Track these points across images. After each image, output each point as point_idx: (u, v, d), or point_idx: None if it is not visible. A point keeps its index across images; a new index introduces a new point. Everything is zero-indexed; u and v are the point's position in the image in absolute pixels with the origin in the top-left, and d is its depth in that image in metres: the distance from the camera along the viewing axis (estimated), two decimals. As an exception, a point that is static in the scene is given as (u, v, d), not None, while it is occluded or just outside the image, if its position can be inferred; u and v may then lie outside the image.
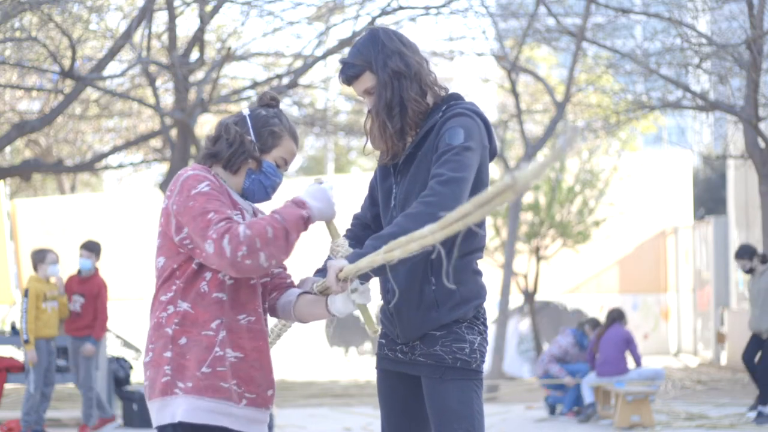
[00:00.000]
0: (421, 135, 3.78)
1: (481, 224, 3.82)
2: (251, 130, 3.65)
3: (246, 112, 3.70)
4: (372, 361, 20.95)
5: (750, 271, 11.53)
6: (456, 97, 3.85)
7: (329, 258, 3.74)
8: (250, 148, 3.63)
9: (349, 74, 3.81)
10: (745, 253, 11.51)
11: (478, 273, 3.83)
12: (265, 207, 3.80)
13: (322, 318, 3.66)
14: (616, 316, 11.74)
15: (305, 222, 3.46)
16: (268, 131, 3.66)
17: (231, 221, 3.41)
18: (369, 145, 3.91)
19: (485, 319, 3.85)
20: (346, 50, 16.21)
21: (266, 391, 3.58)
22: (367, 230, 4.02)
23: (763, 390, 11.20)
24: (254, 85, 16.04)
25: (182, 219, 3.48)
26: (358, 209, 4.10)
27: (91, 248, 10.49)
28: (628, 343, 11.57)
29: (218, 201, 3.47)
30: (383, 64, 3.77)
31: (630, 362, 11.76)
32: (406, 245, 3.19)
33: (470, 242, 3.76)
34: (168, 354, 3.48)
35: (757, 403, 11.32)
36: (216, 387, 3.46)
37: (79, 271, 10.49)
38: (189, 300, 3.50)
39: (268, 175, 3.65)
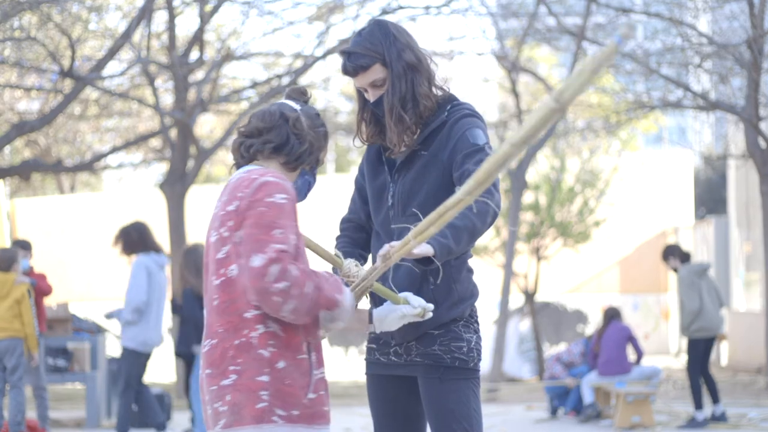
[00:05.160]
0: (427, 134, 3.74)
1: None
2: (306, 129, 3.47)
3: (297, 106, 3.49)
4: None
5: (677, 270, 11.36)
6: (454, 97, 3.83)
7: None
8: (317, 147, 3.46)
9: (359, 64, 3.69)
10: (667, 254, 11.43)
11: (471, 271, 3.83)
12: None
13: (356, 331, 3.62)
14: (613, 314, 11.73)
15: (333, 307, 3.28)
16: (323, 132, 3.49)
17: (289, 253, 3.20)
18: (357, 141, 3.88)
19: (478, 317, 3.84)
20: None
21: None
22: (362, 232, 3.95)
23: (696, 395, 11.01)
24: (254, 85, 16.03)
25: (246, 221, 3.25)
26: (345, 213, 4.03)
27: (26, 246, 10.39)
28: (630, 339, 11.56)
29: (290, 221, 3.26)
30: (397, 56, 3.69)
31: (632, 357, 11.70)
32: (438, 220, 3.20)
33: None
34: (264, 378, 3.22)
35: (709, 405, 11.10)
36: (320, 413, 3.31)
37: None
38: (278, 321, 3.25)
39: (315, 177, 3.52)
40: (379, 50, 3.70)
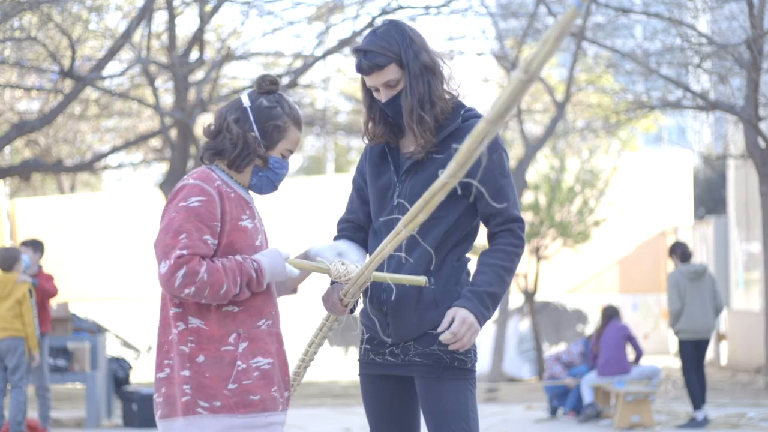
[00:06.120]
0: (443, 137, 3.71)
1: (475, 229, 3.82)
2: (254, 125, 3.46)
3: (246, 102, 3.49)
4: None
5: None
6: (462, 103, 3.82)
7: (334, 283, 3.71)
8: (255, 147, 3.45)
9: (375, 63, 3.66)
10: (671, 251, 11.45)
11: (470, 275, 3.83)
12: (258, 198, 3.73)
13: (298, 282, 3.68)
14: (612, 313, 11.73)
15: (254, 286, 3.40)
16: (272, 126, 3.47)
17: (195, 255, 3.30)
18: (365, 139, 3.87)
19: None
20: (346, 50, 16.26)
21: (284, 393, 3.54)
22: (360, 232, 3.92)
23: (692, 395, 11.00)
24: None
25: (160, 224, 3.38)
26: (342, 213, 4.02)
27: (36, 246, 10.38)
28: (629, 338, 11.56)
29: (200, 223, 3.34)
30: (414, 57, 3.67)
31: (631, 356, 11.70)
32: (425, 206, 3.23)
33: (467, 246, 3.80)
34: (186, 373, 3.35)
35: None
36: (246, 402, 3.37)
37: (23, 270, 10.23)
38: (200, 316, 3.38)
39: (275, 171, 3.52)
40: (396, 50, 3.68)
